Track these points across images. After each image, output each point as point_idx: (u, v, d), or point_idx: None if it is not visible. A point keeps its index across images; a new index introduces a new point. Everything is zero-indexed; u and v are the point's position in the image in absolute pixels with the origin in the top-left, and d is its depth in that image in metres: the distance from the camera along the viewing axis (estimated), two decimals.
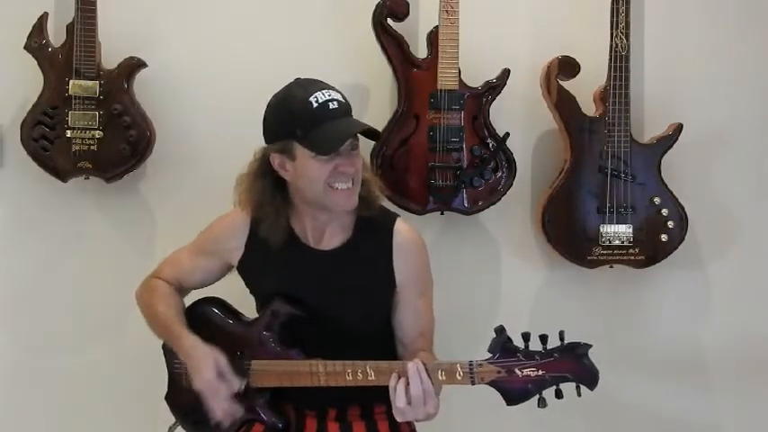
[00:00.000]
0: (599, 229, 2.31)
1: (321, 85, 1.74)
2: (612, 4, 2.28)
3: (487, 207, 2.32)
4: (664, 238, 2.32)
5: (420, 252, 1.86)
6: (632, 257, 2.33)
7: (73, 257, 2.42)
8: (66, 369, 2.41)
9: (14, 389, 2.42)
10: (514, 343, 1.60)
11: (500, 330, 1.60)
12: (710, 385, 2.54)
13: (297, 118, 1.70)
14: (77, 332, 2.42)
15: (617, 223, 2.31)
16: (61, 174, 2.26)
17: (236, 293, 1.95)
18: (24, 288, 2.42)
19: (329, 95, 1.71)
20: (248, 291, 1.93)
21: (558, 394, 1.59)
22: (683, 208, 2.33)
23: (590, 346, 1.60)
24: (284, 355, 1.79)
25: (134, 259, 2.41)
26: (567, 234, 2.33)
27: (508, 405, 1.61)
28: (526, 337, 1.59)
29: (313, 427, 1.85)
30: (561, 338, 1.59)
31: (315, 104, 1.69)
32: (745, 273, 2.53)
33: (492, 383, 1.60)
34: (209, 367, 1.74)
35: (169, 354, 1.94)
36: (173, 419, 1.98)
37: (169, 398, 1.96)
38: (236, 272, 1.93)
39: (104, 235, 2.41)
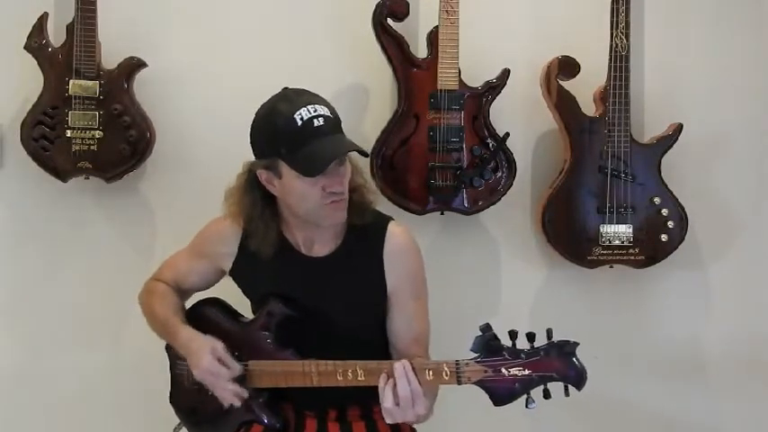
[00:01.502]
0: (599, 229, 2.31)
1: (307, 99, 1.68)
2: (612, 4, 2.28)
3: (487, 207, 2.32)
4: (664, 238, 2.32)
5: (412, 256, 1.84)
6: (632, 257, 2.33)
7: (73, 257, 2.42)
8: (67, 369, 2.41)
9: (14, 389, 2.41)
10: (502, 342, 1.57)
11: (485, 328, 1.57)
12: (710, 385, 2.54)
13: (281, 136, 1.66)
14: (77, 332, 2.42)
15: (617, 223, 2.31)
16: (61, 174, 2.26)
17: (234, 295, 1.95)
18: (24, 288, 2.42)
19: (314, 111, 1.66)
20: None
21: (546, 394, 1.56)
22: (683, 208, 2.33)
23: (577, 344, 1.56)
24: (279, 356, 1.79)
25: (134, 259, 2.41)
26: (567, 234, 2.33)
27: (495, 405, 1.58)
28: (513, 335, 1.56)
29: (313, 427, 1.85)
30: (549, 336, 1.56)
31: (299, 122, 1.64)
32: (745, 273, 2.53)
33: (479, 383, 1.58)
34: (206, 355, 1.74)
35: (172, 355, 1.94)
36: (174, 420, 1.98)
37: (173, 399, 1.96)
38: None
39: (104, 235, 2.41)
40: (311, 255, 1.83)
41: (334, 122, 1.69)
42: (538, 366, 1.55)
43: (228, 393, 1.75)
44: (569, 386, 1.56)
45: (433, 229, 2.40)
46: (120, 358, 2.42)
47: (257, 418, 1.82)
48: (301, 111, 1.65)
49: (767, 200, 2.52)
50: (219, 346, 1.76)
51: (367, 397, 1.80)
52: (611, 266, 2.35)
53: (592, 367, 2.41)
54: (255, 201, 1.78)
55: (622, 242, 2.31)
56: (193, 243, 1.97)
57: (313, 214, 1.73)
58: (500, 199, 2.32)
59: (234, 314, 1.93)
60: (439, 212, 2.31)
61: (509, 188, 2.31)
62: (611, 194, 2.30)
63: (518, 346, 1.57)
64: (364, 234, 1.81)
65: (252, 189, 1.77)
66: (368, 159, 2.19)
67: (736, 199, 2.51)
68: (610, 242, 2.31)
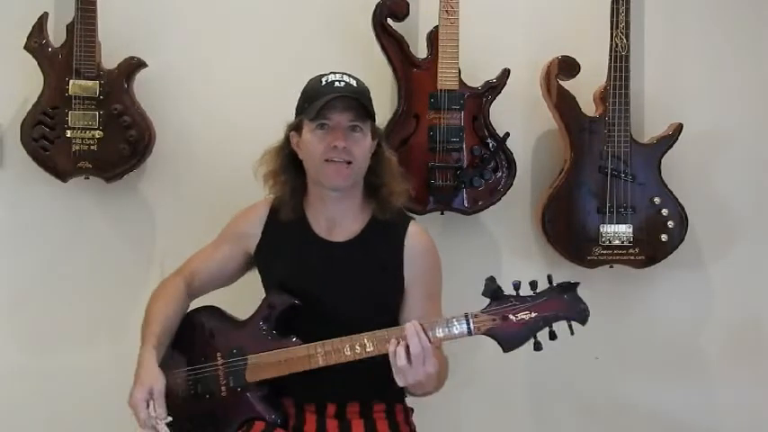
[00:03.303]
0: (599, 229, 2.31)
1: (341, 73, 1.85)
2: (612, 4, 2.28)
3: (487, 207, 2.32)
4: (664, 238, 2.32)
5: (431, 256, 1.89)
6: (632, 257, 2.33)
7: (73, 257, 2.42)
8: (67, 369, 2.41)
9: (14, 388, 2.41)
10: (506, 293, 1.67)
11: (491, 279, 1.67)
12: (710, 385, 2.54)
13: (306, 93, 1.85)
14: (78, 332, 2.42)
15: (617, 223, 2.31)
16: (61, 174, 2.26)
17: (237, 298, 1.96)
18: (24, 288, 2.42)
19: (340, 77, 1.83)
20: (254, 294, 1.94)
21: (552, 335, 1.64)
22: (683, 208, 2.33)
23: (578, 283, 1.67)
24: (281, 345, 1.79)
25: (134, 259, 2.41)
26: (567, 234, 2.33)
27: (504, 351, 1.65)
28: (516, 285, 1.65)
29: (312, 422, 1.85)
30: (550, 282, 1.66)
31: (323, 83, 1.82)
32: (745, 273, 2.52)
33: (488, 332, 1.65)
34: (142, 390, 1.75)
35: (162, 367, 1.92)
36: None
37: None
38: (247, 276, 1.96)
39: (104, 235, 2.41)
40: (330, 239, 1.87)
41: (354, 89, 1.82)
42: (543, 308, 1.64)
43: (143, 426, 1.75)
44: (573, 325, 1.65)
45: (433, 229, 2.37)
46: (121, 357, 2.39)
47: (257, 413, 1.82)
48: (329, 76, 1.84)
49: (767, 200, 2.52)
50: (158, 389, 1.76)
51: (367, 393, 1.82)
52: (611, 266, 2.35)
53: (592, 368, 2.41)
54: (286, 165, 1.88)
55: (622, 242, 2.31)
56: (222, 230, 2.02)
57: (318, 172, 1.81)
58: (500, 199, 2.32)
59: (230, 318, 1.93)
60: (439, 212, 2.31)
61: (509, 188, 2.31)
62: (611, 194, 2.30)
63: (522, 294, 1.66)
64: (386, 228, 1.86)
65: (284, 153, 1.88)
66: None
67: (736, 199, 2.50)
68: (610, 242, 2.31)
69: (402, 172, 1.95)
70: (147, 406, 1.74)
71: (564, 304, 1.65)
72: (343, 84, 1.81)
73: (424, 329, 1.65)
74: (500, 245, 2.48)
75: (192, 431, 1.91)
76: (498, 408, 2.47)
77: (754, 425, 2.55)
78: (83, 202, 2.38)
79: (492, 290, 1.66)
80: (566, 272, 2.40)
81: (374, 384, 1.76)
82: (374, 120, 1.87)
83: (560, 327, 1.65)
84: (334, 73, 1.84)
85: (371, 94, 1.88)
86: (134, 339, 2.38)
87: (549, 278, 1.66)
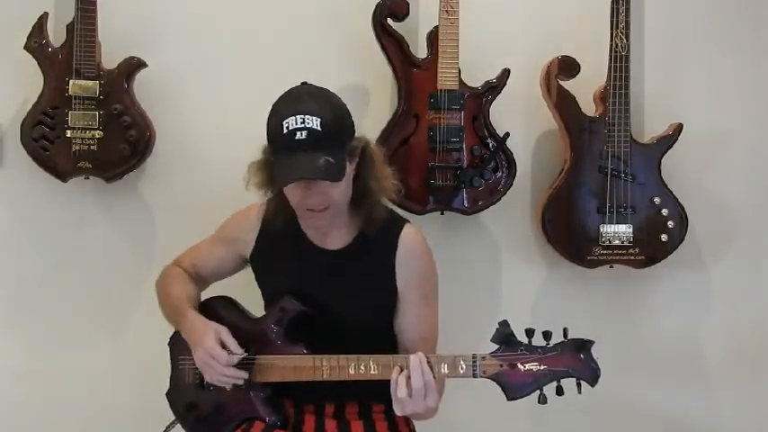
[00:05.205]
0: (599, 229, 2.31)
1: (304, 107, 1.67)
2: (612, 4, 2.28)
3: (487, 207, 2.32)
4: (664, 238, 2.32)
5: (424, 259, 1.86)
6: (632, 257, 2.33)
7: (72, 257, 2.41)
8: (67, 369, 2.41)
9: (14, 388, 2.41)
10: (518, 338, 1.62)
11: (504, 324, 1.62)
12: (710, 385, 2.54)
13: (271, 137, 1.71)
14: (77, 332, 2.42)
15: (617, 223, 2.31)
16: (61, 174, 2.26)
17: (245, 295, 1.97)
18: (24, 288, 2.42)
19: (301, 122, 1.65)
20: (254, 293, 1.95)
21: (559, 390, 1.59)
22: (683, 208, 2.33)
23: (593, 342, 1.61)
24: (290, 351, 1.80)
25: (134, 259, 2.41)
26: (567, 234, 2.33)
27: (508, 400, 1.61)
28: (530, 333, 1.60)
29: (311, 423, 1.85)
30: (564, 335, 1.61)
31: (285, 131, 1.66)
32: (745, 273, 2.53)
33: (493, 377, 1.61)
34: (209, 336, 1.76)
35: (175, 349, 1.95)
36: (171, 418, 1.98)
37: (170, 394, 1.96)
38: (248, 271, 1.96)
39: (104, 235, 2.41)
40: (325, 247, 1.86)
41: (318, 138, 1.65)
42: (553, 362, 1.59)
43: (225, 379, 1.76)
44: (582, 383, 1.59)
45: (433, 229, 2.39)
46: (121, 358, 2.41)
47: (259, 414, 1.82)
48: (290, 120, 1.66)
49: (767, 200, 2.52)
50: (224, 329, 1.78)
51: (366, 394, 1.81)
52: (611, 266, 2.35)
53: None
54: (270, 180, 1.81)
55: (622, 242, 2.31)
56: (218, 230, 2.02)
57: (298, 213, 1.80)
58: (500, 199, 2.32)
59: (243, 312, 1.95)
60: (439, 212, 2.31)
61: (509, 188, 2.31)
62: (611, 194, 2.30)
63: (534, 344, 1.60)
64: (377, 234, 1.84)
65: (267, 170, 1.79)
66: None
67: (736, 199, 2.51)
68: (610, 242, 2.31)
69: (389, 173, 1.86)
70: (223, 347, 1.75)
71: (576, 361, 1.59)
72: (304, 134, 1.64)
73: (429, 363, 1.63)
74: (500, 245, 2.48)
75: (192, 421, 1.93)
76: (497, 408, 2.46)
77: (754, 423, 2.55)
78: (83, 201, 2.38)
79: (504, 335, 1.61)
80: (566, 272, 2.42)
81: (373, 385, 1.76)
82: (350, 138, 1.75)
83: (567, 382, 1.59)
84: (296, 115, 1.65)
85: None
86: (134, 339, 2.40)
87: (565, 331, 1.60)
